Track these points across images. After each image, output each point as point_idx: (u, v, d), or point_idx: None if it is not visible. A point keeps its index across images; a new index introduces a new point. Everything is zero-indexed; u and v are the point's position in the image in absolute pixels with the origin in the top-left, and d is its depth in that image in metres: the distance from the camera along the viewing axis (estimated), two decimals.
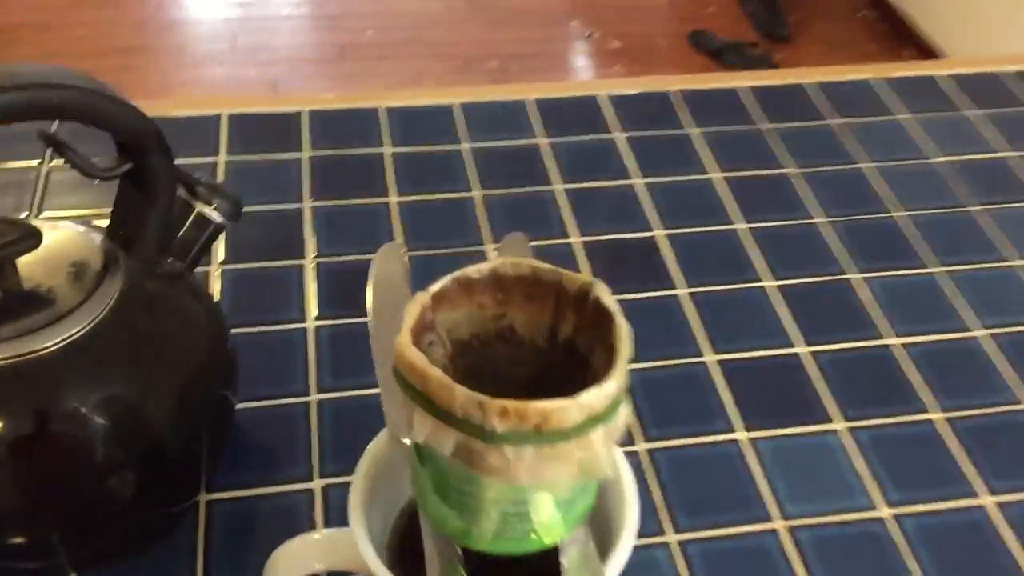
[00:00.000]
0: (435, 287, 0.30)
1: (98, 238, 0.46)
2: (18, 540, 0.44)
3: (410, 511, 0.39)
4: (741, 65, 2.41)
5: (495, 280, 0.31)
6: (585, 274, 0.32)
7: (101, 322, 0.43)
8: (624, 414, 0.32)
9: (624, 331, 0.31)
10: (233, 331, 0.58)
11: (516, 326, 0.32)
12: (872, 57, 2.46)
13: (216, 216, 0.49)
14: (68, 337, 0.42)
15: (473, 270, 0.31)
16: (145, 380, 0.45)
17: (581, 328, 0.31)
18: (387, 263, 0.40)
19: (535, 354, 0.32)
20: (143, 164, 0.45)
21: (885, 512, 0.52)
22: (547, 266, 0.31)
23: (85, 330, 0.43)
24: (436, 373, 0.27)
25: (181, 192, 0.48)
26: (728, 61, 2.46)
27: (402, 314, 0.30)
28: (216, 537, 0.49)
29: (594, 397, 0.29)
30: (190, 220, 0.49)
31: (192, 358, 0.48)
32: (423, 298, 0.30)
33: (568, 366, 0.32)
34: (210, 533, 0.49)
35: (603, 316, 0.30)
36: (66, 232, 0.46)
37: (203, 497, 0.51)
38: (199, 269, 0.61)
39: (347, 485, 0.38)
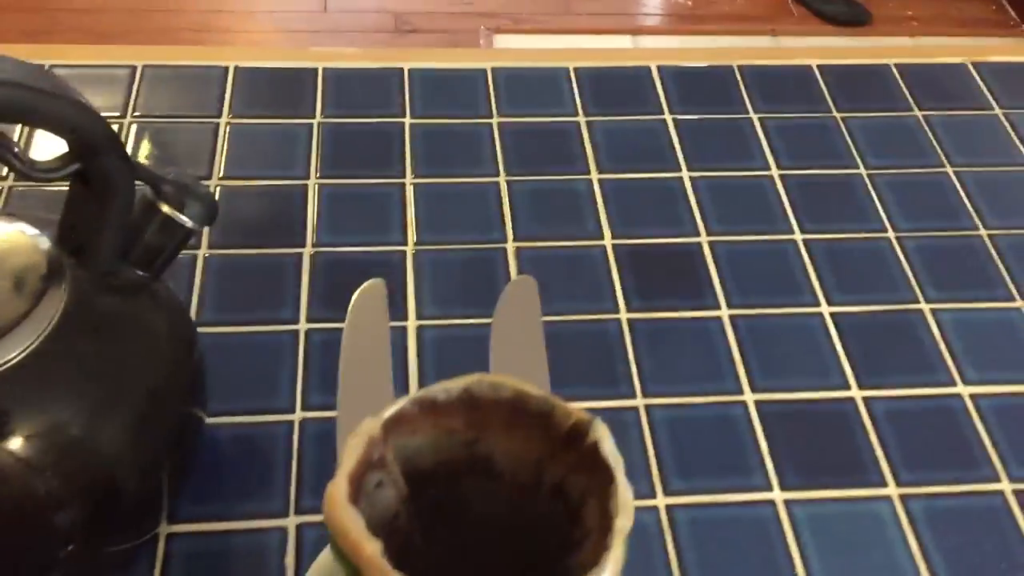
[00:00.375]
0: (389, 412, 0.24)
1: (44, 243, 0.40)
2: None
3: None
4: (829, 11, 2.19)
5: (468, 402, 0.24)
6: (581, 411, 0.25)
7: (39, 346, 0.37)
8: None
9: (625, 499, 0.24)
10: (214, 329, 0.52)
11: (495, 455, 0.25)
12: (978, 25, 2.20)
13: (185, 220, 0.42)
14: (4, 363, 0.36)
15: (440, 389, 0.24)
16: (92, 407, 0.39)
17: (574, 471, 0.24)
18: (367, 307, 0.34)
19: (515, 491, 0.25)
20: (93, 165, 0.38)
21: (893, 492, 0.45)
22: (536, 392, 0.24)
23: (22, 355, 0.37)
24: (370, 552, 0.21)
25: (146, 192, 0.42)
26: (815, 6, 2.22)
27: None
28: None
29: None
30: (155, 223, 0.42)
31: (150, 378, 0.42)
32: (371, 428, 0.23)
33: (554, 513, 0.25)
34: (167, 574, 0.44)
35: (601, 467, 0.24)
36: (11, 235, 0.40)
37: (163, 529, 0.45)
38: (183, 253, 0.55)
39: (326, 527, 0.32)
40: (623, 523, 0.23)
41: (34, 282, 0.38)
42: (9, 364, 0.37)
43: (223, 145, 0.62)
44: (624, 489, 0.23)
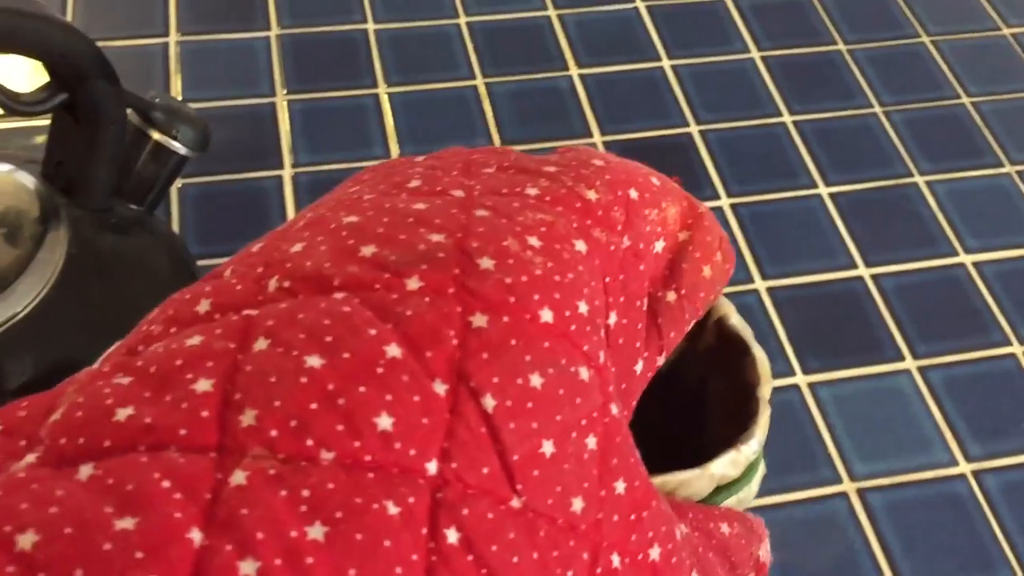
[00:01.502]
0: None
1: (32, 182, 0.36)
2: None
3: None
4: None
5: None
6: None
7: (49, 293, 0.35)
8: (759, 479, 0.25)
9: (765, 369, 0.23)
10: (202, 263, 0.49)
11: None
12: None
13: (178, 147, 0.39)
14: (7, 321, 0.34)
15: None
16: (102, 351, 0.37)
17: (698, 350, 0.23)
18: None
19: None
20: (81, 92, 0.35)
21: (911, 364, 0.46)
22: None
23: (32, 305, 0.34)
24: None
25: (133, 119, 0.38)
26: None
27: None
28: None
29: (728, 465, 0.22)
30: (146, 152, 0.39)
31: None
32: None
33: (667, 392, 0.24)
34: None
35: (729, 343, 0.23)
36: None
37: None
38: None
39: None
40: (766, 391, 0.22)
41: (30, 226, 0.35)
42: (20, 316, 0.34)
43: (176, 66, 0.58)
44: (762, 360, 0.22)
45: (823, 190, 0.56)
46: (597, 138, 0.57)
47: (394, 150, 0.55)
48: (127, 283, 0.38)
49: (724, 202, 0.55)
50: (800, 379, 0.48)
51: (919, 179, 0.56)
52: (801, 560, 0.43)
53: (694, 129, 0.58)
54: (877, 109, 0.60)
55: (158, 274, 0.40)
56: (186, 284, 0.42)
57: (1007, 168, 0.57)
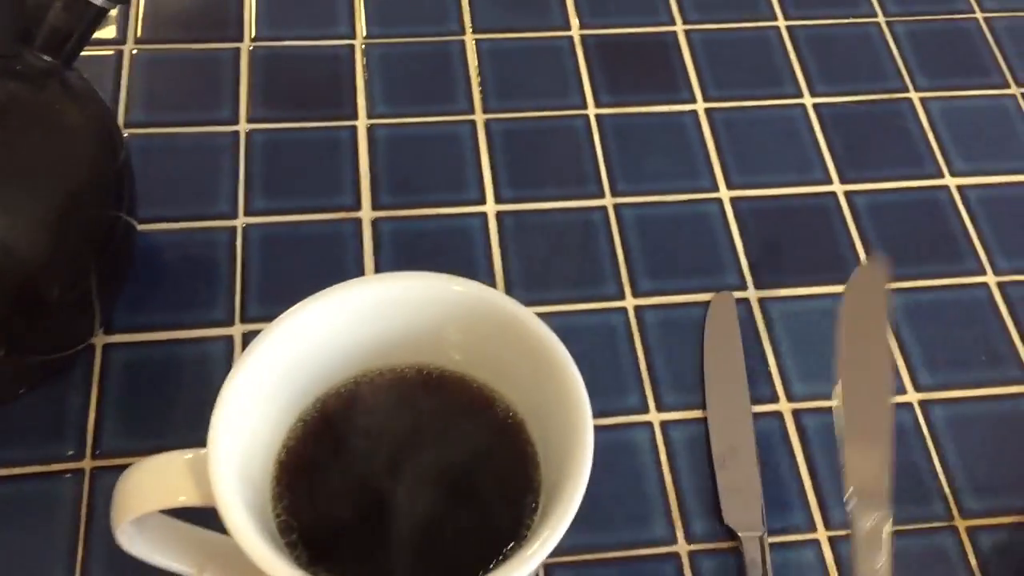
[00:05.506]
0: None
1: None
2: None
3: (314, 415, 0.31)
4: None
5: None
6: None
7: None
8: None
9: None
10: (146, 131, 0.48)
11: None
12: None
13: None
14: None
15: None
16: (3, 203, 0.36)
17: None
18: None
19: None
20: None
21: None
22: None
23: None
24: None
25: None
26: None
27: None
28: (113, 389, 0.41)
29: None
30: (59, 2, 0.38)
31: (67, 173, 0.38)
32: None
33: None
34: (105, 382, 0.42)
35: None
36: None
37: (99, 339, 0.43)
38: (103, 51, 0.50)
39: None
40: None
41: None
42: None
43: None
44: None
45: (807, 100, 0.52)
46: (575, 31, 0.54)
47: (360, 29, 0.53)
48: (26, 134, 0.37)
49: (699, 106, 0.52)
50: (751, 293, 0.46)
51: (914, 95, 0.53)
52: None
53: (679, 28, 0.54)
54: (880, 19, 0.56)
55: (71, 131, 0.39)
56: (103, 146, 0.41)
57: (1012, 89, 0.53)
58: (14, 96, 0.37)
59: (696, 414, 0.42)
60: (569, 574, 0.38)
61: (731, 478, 0.40)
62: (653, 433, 0.42)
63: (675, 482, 0.41)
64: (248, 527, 0.25)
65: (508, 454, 0.30)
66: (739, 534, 0.39)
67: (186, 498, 0.28)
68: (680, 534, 0.39)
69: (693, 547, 0.39)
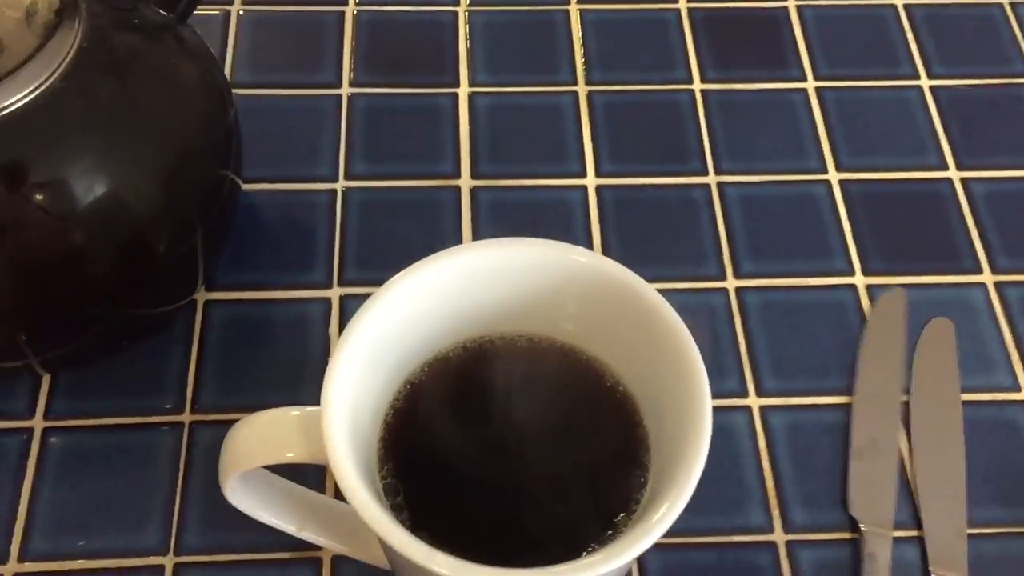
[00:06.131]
0: None
1: None
2: None
3: (422, 378, 0.30)
4: None
5: None
6: None
7: (54, 83, 0.34)
8: None
9: None
10: (251, 91, 0.48)
11: None
12: None
13: None
14: (16, 101, 0.33)
15: None
16: (115, 155, 0.36)
17: None
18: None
19: None
20: None
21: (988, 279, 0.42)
22: None
23: (35, 93, 0.33)
24: None
25: None
26: None
27: None
28: (212, 345, 0.42)
29: None
30: None
31: (178, 128, 0.38)
32: None
33: None
34: (206, 339, 0.42)
35: None
36: None
37: (201, 296, 0.43)
38: (211, 10, 0.51)
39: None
40: None
41: (45, 14, 0.34)
42: (22, 102, 0.33)
43: None
44: None
45: (924, 81, 0.50)
46: (683, 3, 0.53)
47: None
48: (142, 87, 0.37)
49: (809, 84, 0.50)
50: (859, 279, 0.44)
51: None
52: None
53: (791, 3, 0.53)
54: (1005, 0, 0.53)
55: (183, 86, 0.39)
56: (214, 103, 0.41)
57: None
58: (131, 49, 0.37)
59: (797, 401, 0.41)
60: (663, 557, 0.37)
61: (866, 469, 0.39)
62: (752, 417, 0.41)
63: (773, 468, 0.40)
64: (360, 487, 0.24)
65: (617, 428, 0.29)
66: (862, 527, 0.37)
67: (293, 454, 0.28)
68: (778, 523, 0.38)
69: (791, 537, 0.38)
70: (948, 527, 0.38)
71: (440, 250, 0.30)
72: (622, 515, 0.27)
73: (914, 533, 0.38)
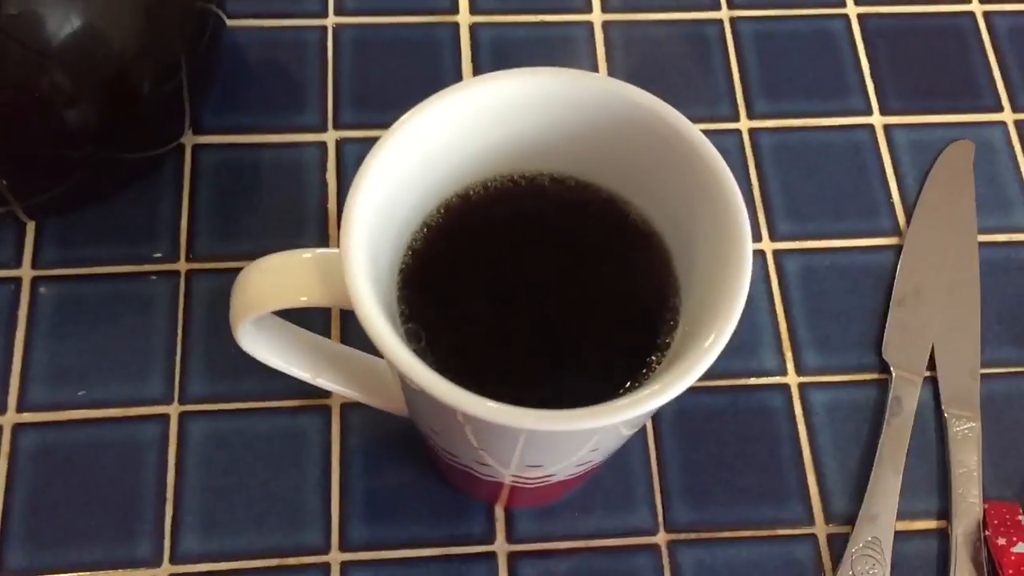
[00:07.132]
0: None
1: None
2: None
3: (439, 220, 0.29)
4: None
5: None
6: None
7: None
8: None
9: None
10: None
11: None
12: None
13: None
14: None
15: None
16: None
17: None
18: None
19: None
20: None
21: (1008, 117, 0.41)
22: None
23: None
24: None
25: None
26: None
27: None
28: (204, 191, 0.40)
29: None
30: None
31: None
32: None
33: None
34: (196, 185, 0.40)
35: None
36: None
37: (188, 139, 0.41)
38: None
39: (367, 143, 0.28)
40: None
41: None
42: None
43: None
44: None
45: None
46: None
47: None
48: None
49: (977, 7, 0.45)
50: (876, 119, 0.43)
51: None
52: None
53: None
54: None
55: None
56: None
57: None
58: None
59: (811, 244, 0.40)
60: (675, 400, 0.37)
61: (906, 316, 0.38)
62: (765, 261, 0.40)
63: (786, 312, 0.39)
64: (386, 329, 0.23)
65: (645, 269, 0.28)
66: (893, 371, 0.37)
67: (307, 298, 0.26)
68: (791, 366, 0.38)
69: (803, 379, 0.38)
70: (962, 368, 0.38)
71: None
72: (655, 355, 0.26)
73: (927, 374, 0.38)
